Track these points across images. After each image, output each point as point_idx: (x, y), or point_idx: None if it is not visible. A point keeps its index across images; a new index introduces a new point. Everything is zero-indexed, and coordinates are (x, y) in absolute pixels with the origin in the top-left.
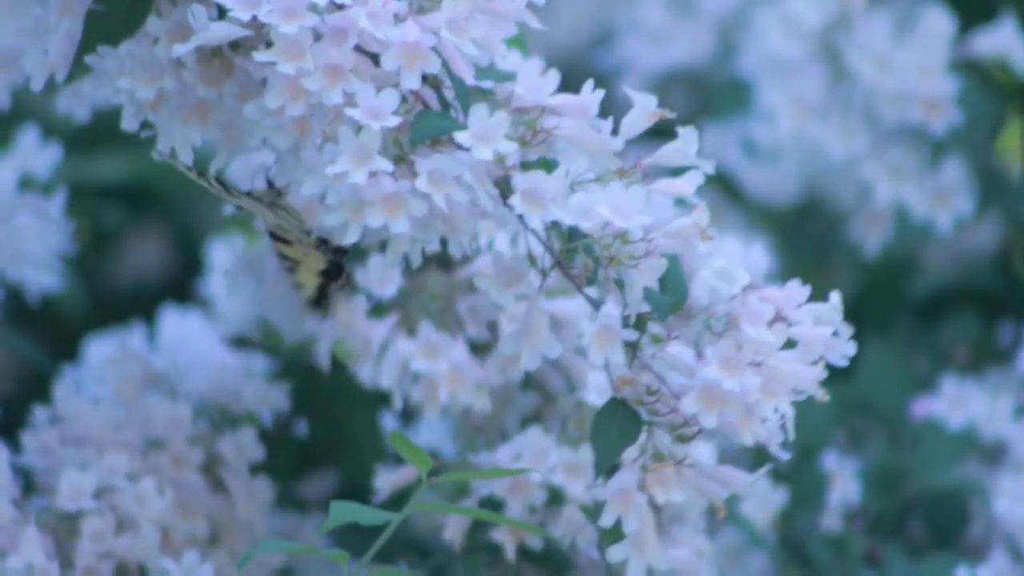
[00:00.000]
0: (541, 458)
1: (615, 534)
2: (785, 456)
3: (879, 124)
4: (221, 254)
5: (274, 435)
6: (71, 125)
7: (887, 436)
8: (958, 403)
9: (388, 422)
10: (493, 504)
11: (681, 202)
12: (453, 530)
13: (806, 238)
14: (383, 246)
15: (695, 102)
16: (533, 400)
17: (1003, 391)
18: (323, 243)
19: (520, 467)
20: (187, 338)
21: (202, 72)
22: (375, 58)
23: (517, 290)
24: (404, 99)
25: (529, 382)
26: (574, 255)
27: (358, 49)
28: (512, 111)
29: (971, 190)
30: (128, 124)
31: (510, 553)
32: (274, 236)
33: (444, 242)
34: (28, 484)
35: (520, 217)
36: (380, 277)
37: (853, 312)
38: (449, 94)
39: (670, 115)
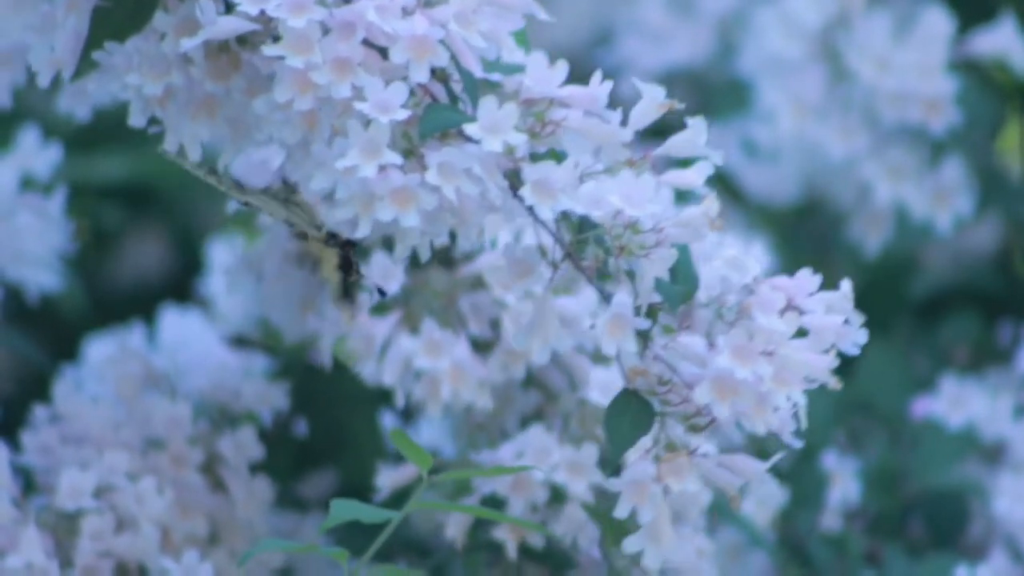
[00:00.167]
0: (543, 456)
1: (617, 532)
2: (798, 444)
3: (879, 124)
4: (221, 254)
5: (274, 434)
6: (71, 125)
7: (887, 436)
8: (958, 403)
9: (388, 421)
10: (495, 502)
11: (681, 197)
12: (454, 528)
13: (806, 238)
14: (386, 243)
15: (695, 102)
16: (535, 398)
17: (1003, 391)
18: (332, 237)
19: (522, 465)
20: (187, 338)
21: (209, 67)
22: (383, 52)
23: (528, 282)
24: (412, 93)
25: (531, 380)
26: (585, 246)
27: (366, 43)
28: (521, 103)
29: (971, 190)
30: (136, 120)
31: (511, 551)
32: (293, 233)
33: (446, 240)
34: (28, 483)
35: (530, 208)
36: (383, 274)
37: None
38: (457, 87)
39: (679, 106)
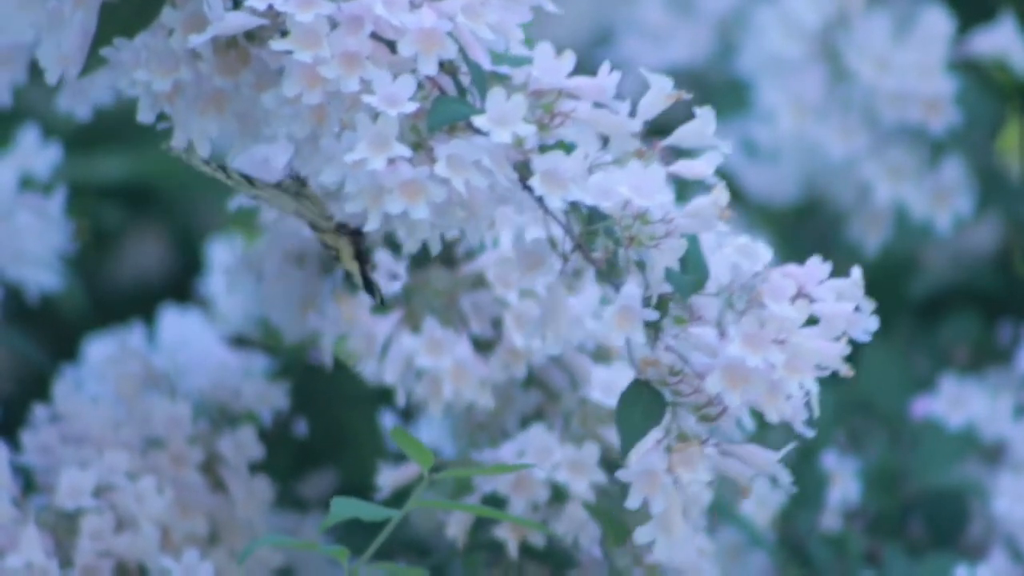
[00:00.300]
0: (544, 455)
1: (619, 531)
2: (810, 434)
3: (879, 124)
4: (221, 253)
5: (274, 434)
6: (71, 124)
7: (887, 436)
8: (958, 403)
9: (388, 421)
10: (496, 502)
11: (681, 196)
12: (455, 528)
13: (806, 238)
14: (388, 241)
15: (695, 102)
16: (536, 398)
17: (1003, 391)
18: (342, 227)
19: (523, 463)
20: (187, 337)
21: (218, 63)
22: (392, 45)
23: (538, 274)
24: (421, 86)
25: (532, 380)
26: (595, 238)
27: (374, 36)
28: (529, 94)
29: (970, 190)
30: (144, 116)
31: (513, 551)
32: (313, 226)
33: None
34: (28, 483)
35: (540, 199)
36: (384, 273)
37: None
38: (465, 80)
39: (686, 96)
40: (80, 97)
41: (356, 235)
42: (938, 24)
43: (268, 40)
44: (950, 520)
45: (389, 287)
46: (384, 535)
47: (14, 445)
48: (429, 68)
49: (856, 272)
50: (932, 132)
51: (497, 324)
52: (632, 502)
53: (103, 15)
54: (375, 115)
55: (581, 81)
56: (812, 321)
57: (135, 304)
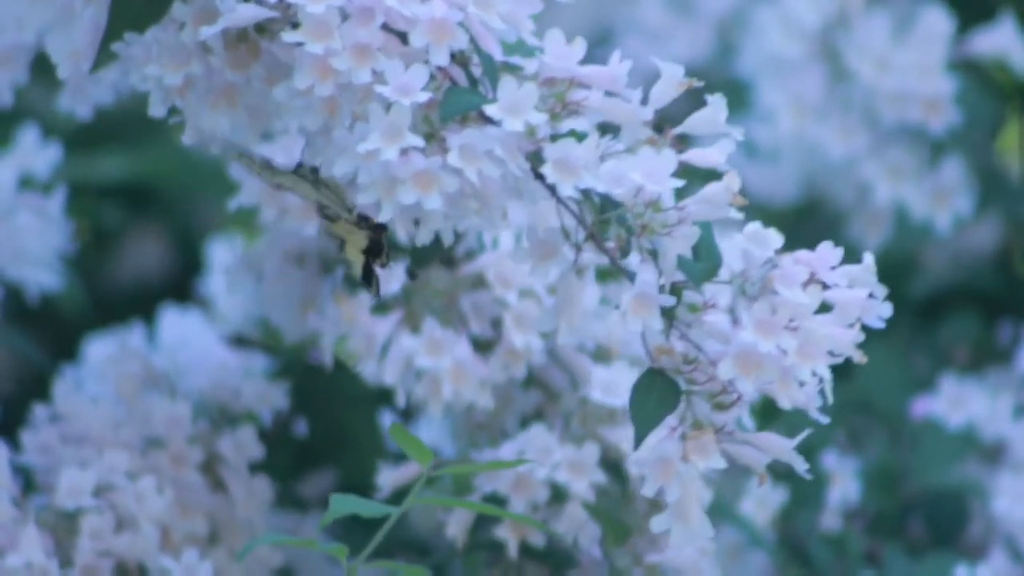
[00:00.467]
0: (545, 455)
1: (618, 532)
2: (825, 420)
3: (878, 124)
4: (221, 253)
5: (274, 434)
6: (71, 124)
7: (887, 436)
8: (958, 403)
9: (388, 421)
10: (496, 502)
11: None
12: (455, 527)
13: (806, 238)
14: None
15: (694, 102)
16: (536, 398)
17: (1003, 391)
18: (363, 220)
19: (522, 460)
20: (187, 337)
21: (229, 56)
22: (403, 36)
23: (551, 264)
24: (432, 77)
25: (532, 380)
26: (607, 227)
27: (385, 28)
28: (541, 83)
29: (970, 190)
30: (155, 111)
31: (512, 550)
32: (322, 214)
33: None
34: (28, 482)
35: (552, 188)
36: (384, 274)
37: None
38: (476, 71)
39: (698, 84)
40: (81, 97)
41: (379, 229)
42: (938, 24)
43: (279, 33)
44: (950, 520)
45: (388, 287)
46: (383, 532)
47: (14, 445)
48: (441, 59)
49: (868, 258)
50: (932, 132)
51: (497, 324)
52: (647, 490)
53: (114, 10)
54: (388, 105)
55: (593, 70)
56: (825, 308)
57: (135, 304)
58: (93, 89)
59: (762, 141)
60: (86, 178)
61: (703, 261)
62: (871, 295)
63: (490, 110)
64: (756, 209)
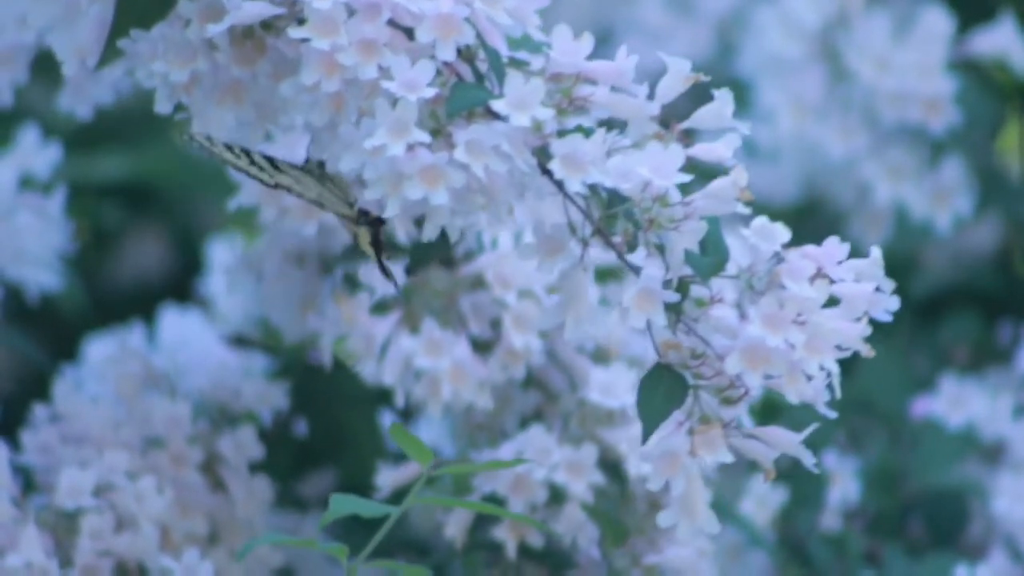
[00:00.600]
0: (543, 456)
1: (617, 532)
2: (832, 415)
3: (878, 124)
4: (221, 253)
5: (274, 434)
6: (71, 124)
7: (887, 436)
8: (958, 403)
9: (388, 421)
10: (495, 503)
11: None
12: (454, 527)
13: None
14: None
15: (694, 102)
16: (535, 399)
17: (1003, 391)
18: (363, 215)
19: (521, 459)
20: (187, 337)
21: (235, 53)
22: (409, 32)
23: (558, 259)
24: (438, 72)
25: (531, 381)
26: (614, 221)
27: (391, 23)
28: (548, 78)
29: (970, 190)
30: (161, 107)
31: (511, 551)
32: (333, 212)
33: (445, 239)
34: (28, 482)
35: (559, 184)
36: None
37: None
38: (482, 66)
39: (704, 79)
40: (81, 96)
41: (378, 223)
42: (938, 24)
43: (284, 29)
44: (950, 520)
45: (387, 287)
46: (383, 532)
47: (14, 445)
48: (447, 54)
49: (875, 252)
50: (932, 132)
51: (496, 325)
52: (653, 484)
53: (120, 6)
54: (394, 101)
55: (599, 65)
56: (831, 303)
57: (135, 304)
58: (93, 89)
59: (762, 141)
60: (86, 178)
61: (710, 256)
62: (878, 289)
63: (497, 105)
64: (756, 209)
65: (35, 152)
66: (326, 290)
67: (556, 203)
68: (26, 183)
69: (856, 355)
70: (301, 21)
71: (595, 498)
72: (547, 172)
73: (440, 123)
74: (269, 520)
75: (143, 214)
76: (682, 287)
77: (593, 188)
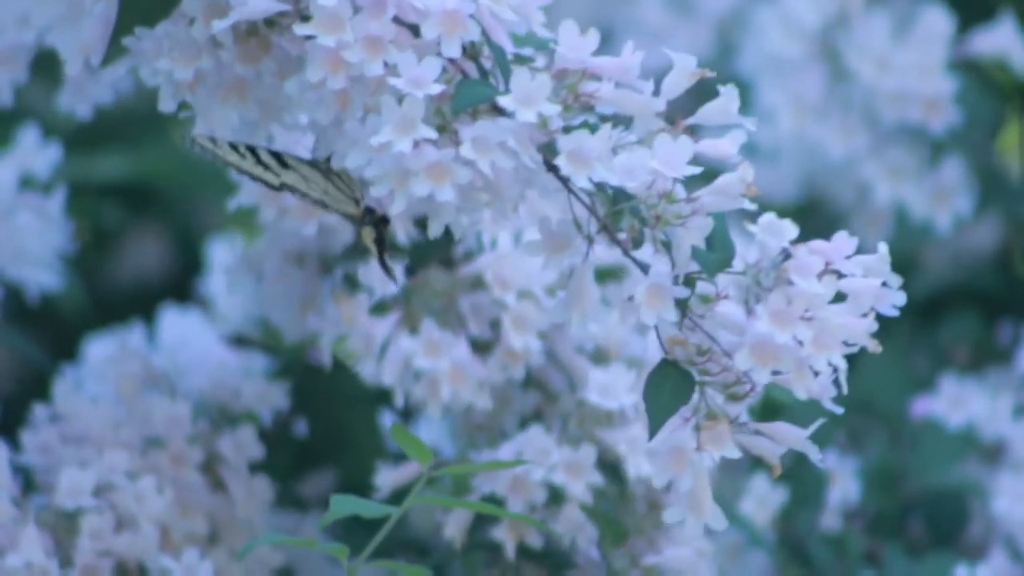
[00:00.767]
0: (543, 456)
1: (616, 533)
2: (840, 411)
3: (878, 124)
4: (221, 253)
5: (274, 434)
6: (71, 124)
7: (887, 436)
8: (958, 403)
9: (388, 421)
10: (494, 503)
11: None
12: (453, 527)
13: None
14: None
15: (694, 101)
16: (534, 399)
17: (1003, 391)
18: (369, 212)
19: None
20: (187, 337)
21: (239, 51)
22: (415, 29)
23: (564, 256)
24: (444, 69)
25: (530, 381)
26: (620, 218)
27: (397, 20)
28: (554, 74)
29: (970, 190)
30: (165, 105)
31: (510, 551)
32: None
33: (445, 240)
34: (28, 482)
35: (565, 180)
36: (382, 275)
37: None
38: (487, 64)
39: (710, 74)
40: (81, 96)
41: (381, 222)
42: (938, 24)
43: (289, 26)
44: (950, 520)
45: (387, 287)
46: (383, 533)
47: (14, 445)
48: (452, 51)
49: (883, 247)
50: (932, 132)
51: (495, 326)
52: (659, 480)
53: (123, 4)
54: (401, 97)
55: (605, 61)
56: (839, 298)
57: (135, 304)
58: (93, 89)
59: (762, 141)
60: (86, 178)
61: (717, 251)
62: (884, 284)
63: (503, 101)
64: (756, 209)
65: (35, 152)
66: (326, 290)
67: (561, 200)
68: (26, 183)
69: (856, 355)
70: (306, 18)
71: (594, 499)
72: (552, 169)
73: (446, 120)
74: (269, 520)
75: (143, 214)
76: (688, 284)
77: (599, 185)
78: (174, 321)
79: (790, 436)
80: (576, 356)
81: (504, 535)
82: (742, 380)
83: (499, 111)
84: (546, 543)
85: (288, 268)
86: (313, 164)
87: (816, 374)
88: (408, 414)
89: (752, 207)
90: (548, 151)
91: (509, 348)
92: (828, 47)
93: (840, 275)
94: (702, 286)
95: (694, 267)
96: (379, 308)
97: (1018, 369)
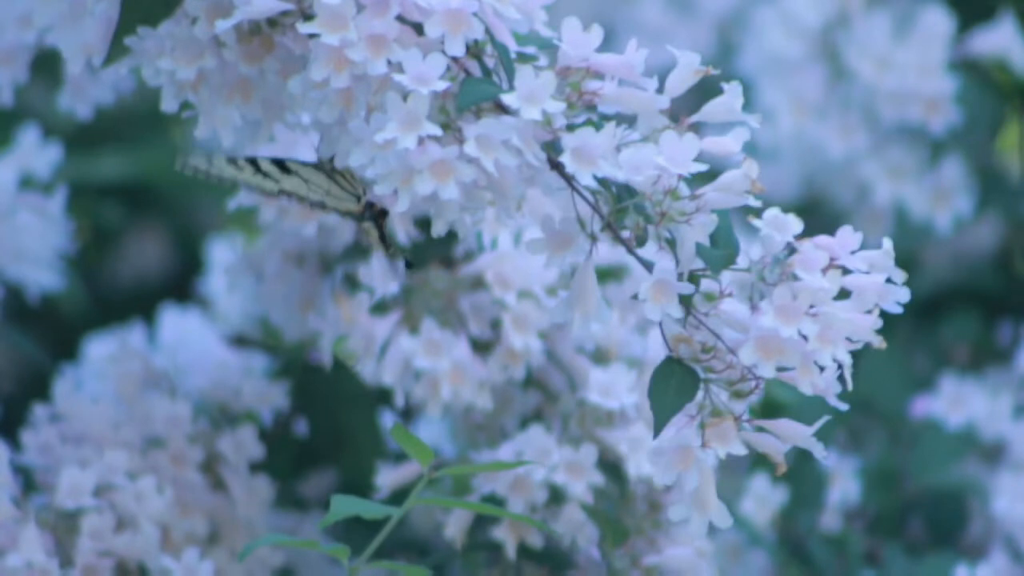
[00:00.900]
0: (543, 456)
1: (616, 533)
2: (844, 407)
3: (878, 123)
4: (221, 253)
5: (274, 434)
6: (71, 124)
7: (887, 436)
8: (958, 403)
9: (388, 421)
10: (494, 503)
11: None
12: (454, 527)
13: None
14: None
15: (694, 101)
16: (534, 399)
17: (1003, 391)
18: (370, 207)
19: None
20: (187, 337)
21: (242, 50)
22: (418, 27)
23: (568, 254)
24: (447, 67)
25: (531, 381)
26: (624, 215)
27: (400, 18)
28: (557, 72)
29: (970, 190)
30: (168, 105)
31: (511, 551)
32: (337, 211)
33: (446, 240)
34: (28, 482)
35: (569, 178)
36: (383, 274)
37: None
38: (490, 62)
39: (714, 72)
40: (81, 96)
41: (381, 216)
42: (938, 24)
43: (292, 25)
44: (950, 520)
45: (387, 287)
46: (384, 533)
47: (14, 445)
48: (456, 49)
49: (887, 243)
50: (932, 132)
51: (496, 325)
52: (664, 478)
53: (126, 4)
54: (405, 94)
55: (608, 58)
56: (844, 294)
57: (135, 304)
58: (93, 89)
59: (762, 140)
60: (86, 178)
61: (721, 248)
62: (889, 280)
63: (507, 99)
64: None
65: (35, 152)
66: (326, 290)
67: (564, 198)
68: (26, 183)
69: (857, 354)
70: (309, 17)
71: (595, 498)
72: (556, 166)
73: (450, 118)
74: (269, 520)
75: (143, 214)
76: (692, 281)
77: (603, 182)
78: (174, 321)
79: (794, 433)
80: (577, 356)
81: (505, 535)
82: (747, 377)
83: (503, 109)
84: (547, 543)
85: (288, 268)
86: (317, 166)
87: (821, 369)
88: (408, 414)
89: (757, 204)
90: (552, 149)
91: (509, 348)
92: (828, 47)
93: (845, 270)
94: (706, 283)
95: (698, 264)
96: (379, 308)
97: (1018, 369)
